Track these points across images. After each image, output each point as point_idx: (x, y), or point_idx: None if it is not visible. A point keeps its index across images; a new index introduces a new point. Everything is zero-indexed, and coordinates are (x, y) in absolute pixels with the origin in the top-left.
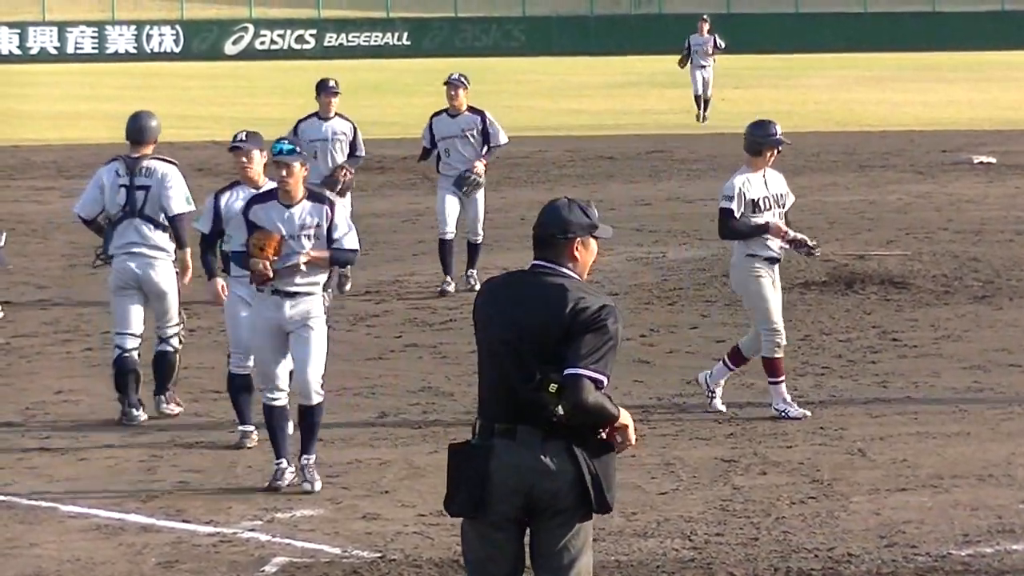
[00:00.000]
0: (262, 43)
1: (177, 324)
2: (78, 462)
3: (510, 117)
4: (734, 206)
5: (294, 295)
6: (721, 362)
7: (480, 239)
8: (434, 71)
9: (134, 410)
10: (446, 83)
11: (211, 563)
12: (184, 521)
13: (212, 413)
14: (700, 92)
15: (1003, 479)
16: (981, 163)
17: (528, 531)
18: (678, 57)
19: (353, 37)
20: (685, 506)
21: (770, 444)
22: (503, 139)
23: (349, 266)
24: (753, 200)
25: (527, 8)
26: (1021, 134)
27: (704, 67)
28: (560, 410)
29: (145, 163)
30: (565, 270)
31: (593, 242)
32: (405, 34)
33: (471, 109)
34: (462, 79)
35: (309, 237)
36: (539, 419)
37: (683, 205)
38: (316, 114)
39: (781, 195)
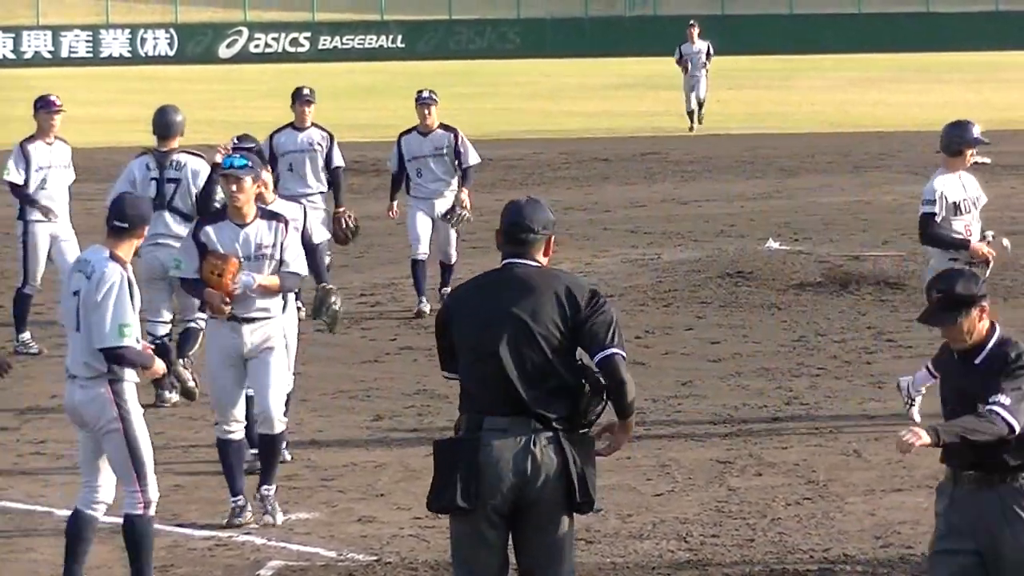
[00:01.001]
0: (256, 46)
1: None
2: (74, 466)
3: (505, 119)
4: (936, 209)
5: (252, 320)
6: (924, 368)
7: (454, 259)
8: (429, 74)
9: (166, 392)
10: (417, 101)
11: (207, 567)
12: (179, 525)
13: (207, 417)
14: (693, 106)
15: None
16: (976, 164)
17: (512, 529)
18: (673, 59)
19: (347, 40)
20: (681, 508)
21: (765, 445)
22: (474, 159)
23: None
24: (954, 203)
25: (522, 10)
26: (1016, 135)
27: (697, 77)
28: (596, 410)
29: (175, 157)
30: (541, 264)
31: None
32: (399, 37)
33: (443, 126)
34: (433, 96)
35: (266, 257)
36: (530, 412)
37: (678, 207)
38: (291, 124)
39: (977, 198)
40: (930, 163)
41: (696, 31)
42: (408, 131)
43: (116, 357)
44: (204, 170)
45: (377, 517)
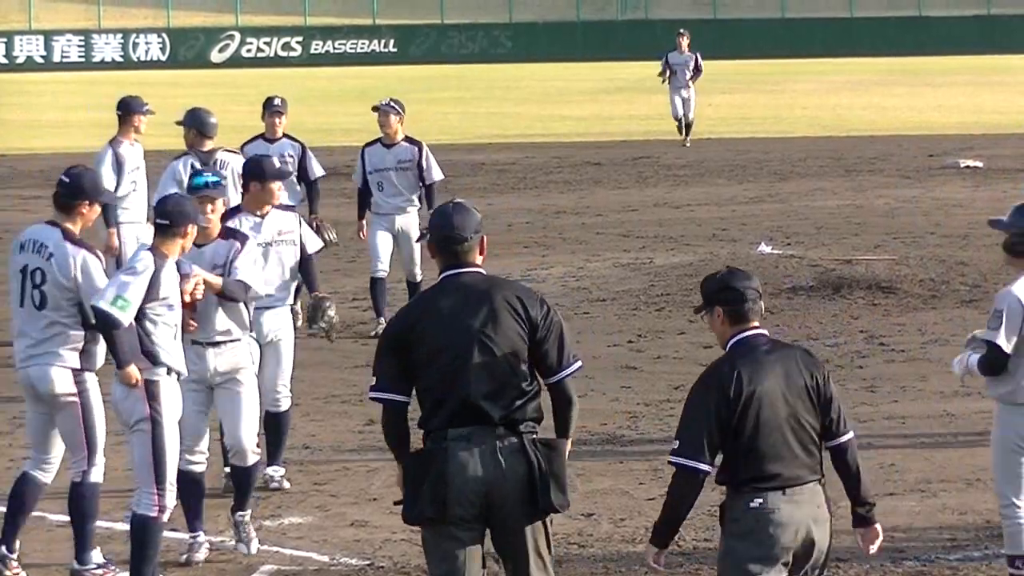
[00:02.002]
0: (248, 51)
1: None
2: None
3: (497, 124)
4: None
5: (216, 344)
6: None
7: (419, 278)
8: (421, 78)
9: None
10: (377, 109)
11: (200, 571)
12: (172, 530)
13: None
14: (680, 115)
15: (990, 484)
16: (968, 167)
17: (490, 534)
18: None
19: (340, 44)
20: None
21: None
22: (438, 174)
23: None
24: None
25: (514, 14)
26: (1008, 138)
27: (683, 88)
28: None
29: (218, 155)
30: (482, 270)
31: None
32: (392, 41)
33: (408, 139)
34: (393, 104)
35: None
36: (493, 421)
37: (670, 211)
38: (262, 135)
39: None
40: (922, 167)
41: (686, 40)
42: (372, 142)
43: (105, 324)
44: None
45: (370, 522)
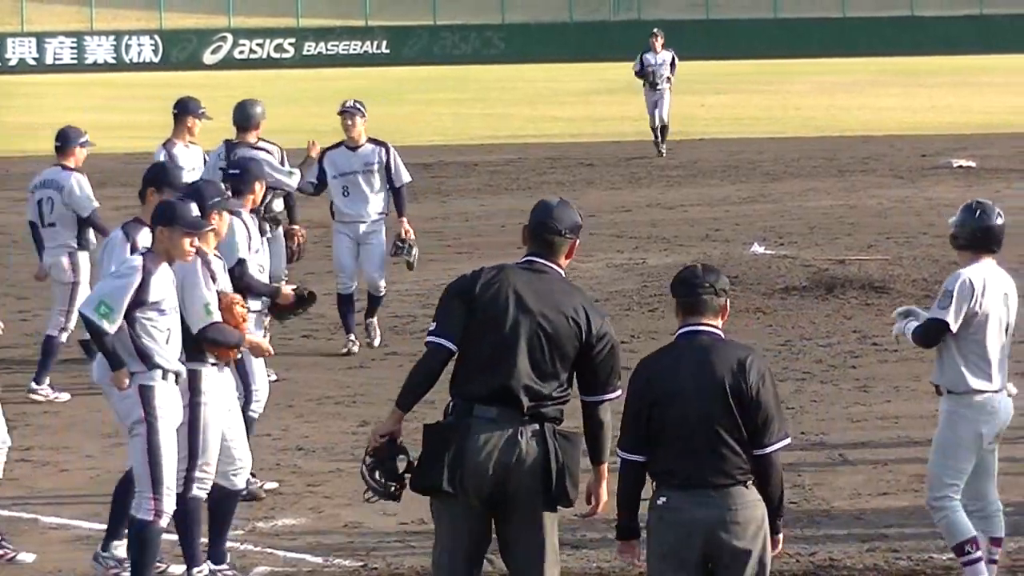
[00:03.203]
0: (241, 52)
1: None
2: (59, 473)
3: (490, 124)
4: None
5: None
6: None
7: (382, 291)
8: (414, 79)
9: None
10: (340, 112)
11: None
12: (165, 532)
13: None
14: (657, 122)
15: None
16: (961, 167)
17: (497, 522)
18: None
19: (332, 46)
20: None
21: None
22: (406, 176)
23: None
24: None
25: (506, 15)
26: (1000, 138)
27: (660, 91)
28: None
29: (238, 150)
30: (562, 271)
31: None
32: (384, 42)
33: (372, 140)
34: (358, 106)
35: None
36: (522, 409)
37: (663, 211)
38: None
39: None
40: (915, 167)
41: (660, 40)
42: (334, 146)
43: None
44: (269, 160)
45: (363, 523)
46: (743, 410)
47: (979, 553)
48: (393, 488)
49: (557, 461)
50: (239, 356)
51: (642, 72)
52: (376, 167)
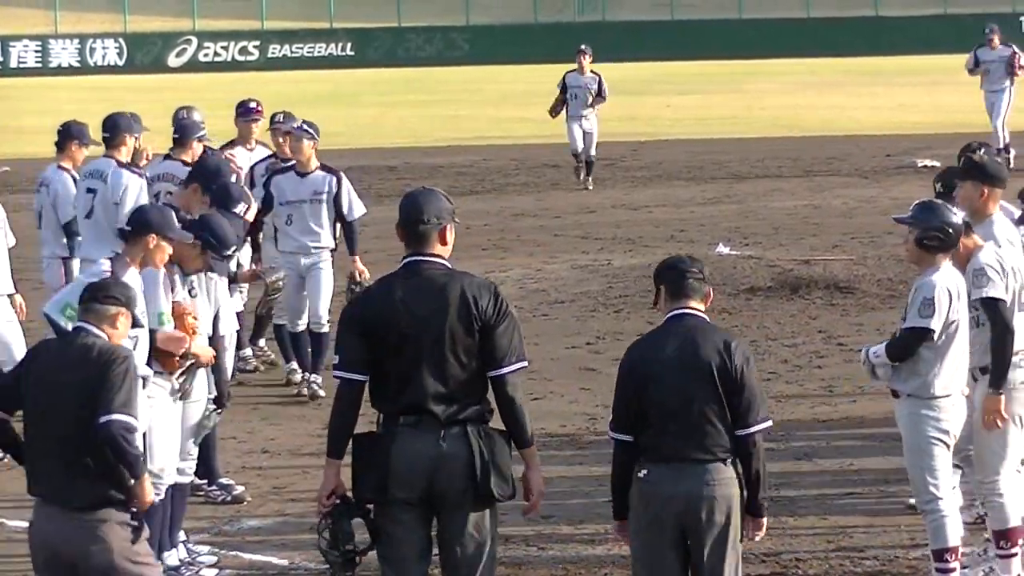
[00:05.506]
0: (206, 55)
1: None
2: (24, 477)
3: (454, 126)
4: None
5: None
6: None
7: (326, 327)
8: (378, 81)
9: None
10: (286, 132)
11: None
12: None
13: None
14: (579, 148)
15: None
16: (925, 167)
17: (435, 523)
18: (622, 65)
19: (297, 48)
20: None
21: None
22: (360, 209)
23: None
24: None
25: (471, 16)
26: (965, 137)
27: (584, 117)
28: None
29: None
30: (444, 260)
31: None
32: (349, 44)
33: (325, 168)
34: (307, 128)
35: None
36: (441, 415)
37: (628, 212)
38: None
39: None
40: (879, 167)
41: (587, 59)
42: (283, 169)
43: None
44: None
45: None
46: (728, 390)
47: (955, 564)
48: (355, 557)
49: (482, 458)
50: (184, 366)
51: (565, 93)
52: (325, 197)
